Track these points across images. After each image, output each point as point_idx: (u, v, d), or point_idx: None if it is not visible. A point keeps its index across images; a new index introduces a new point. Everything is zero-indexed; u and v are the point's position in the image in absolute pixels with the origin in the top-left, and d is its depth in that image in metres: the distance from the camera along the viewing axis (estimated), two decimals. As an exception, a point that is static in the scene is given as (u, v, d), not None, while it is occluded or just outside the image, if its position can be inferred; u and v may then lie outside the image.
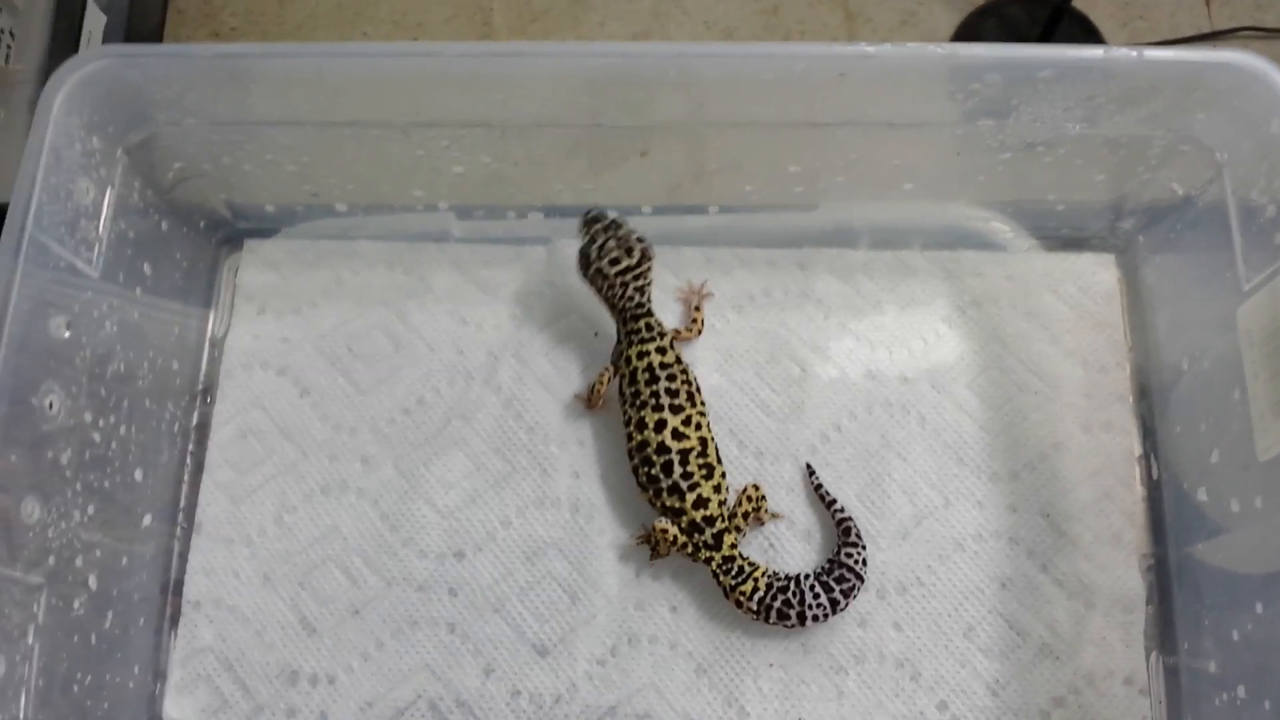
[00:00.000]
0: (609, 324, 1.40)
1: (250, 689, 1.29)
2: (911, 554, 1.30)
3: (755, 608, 1.23)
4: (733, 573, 1.24)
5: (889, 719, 1.24)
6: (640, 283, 1.30)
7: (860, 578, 1.24)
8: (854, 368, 1.39)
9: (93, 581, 1.21)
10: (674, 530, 1.24)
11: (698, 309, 1.38)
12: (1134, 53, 1.15)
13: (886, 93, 1.19)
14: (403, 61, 1.19)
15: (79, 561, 1.19)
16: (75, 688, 1.17)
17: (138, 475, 1.30)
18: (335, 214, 1.45)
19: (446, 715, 1.27)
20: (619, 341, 1.32)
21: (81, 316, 1.20)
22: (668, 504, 1.25)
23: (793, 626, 1.23)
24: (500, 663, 1.29)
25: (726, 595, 1.24)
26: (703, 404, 1.29)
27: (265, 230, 1.49)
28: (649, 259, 1.30)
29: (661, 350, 1.29)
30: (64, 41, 2.66)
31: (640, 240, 1.30)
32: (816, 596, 1.23)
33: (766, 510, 1.30)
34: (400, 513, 1.35)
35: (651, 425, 1.25)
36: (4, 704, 1.07)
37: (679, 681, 1.27)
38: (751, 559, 1.25)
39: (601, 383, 1.32)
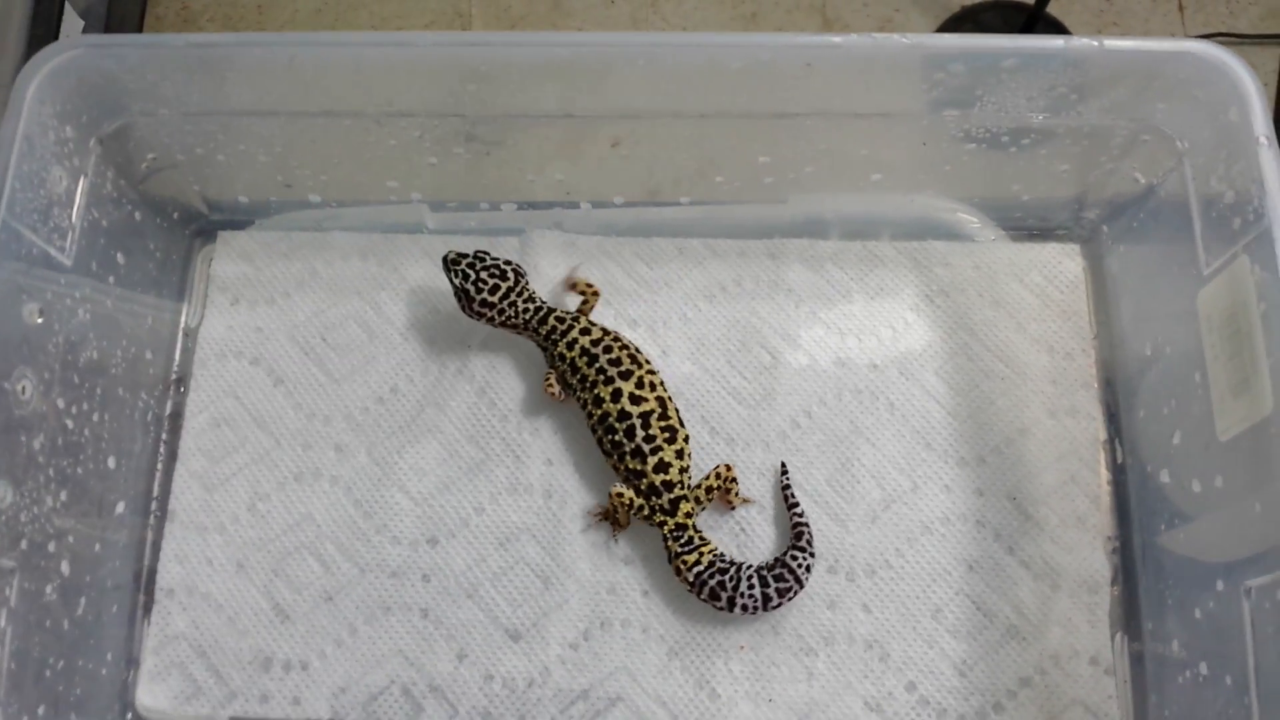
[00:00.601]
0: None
1: (224, 675, 1.30)
2: (880, 537, 1.32)
3: (691, 580, 1.25)
4: (681, 540, 1.25)
5: (858, 699, 1.26)
6: (525, 294, 1.33)
7: (800, 582, 1.25)
8: (824, 355, 1.40)
9: (65, 568, 1.22)
10: (629, 494, 1.26)
11: (576, 283, 1.39)
12: (1095, 42, 1.17)
13: (854, 83, 1.21)
14: (375, 51, 1.20)
15: (51, 547, 1.20)
16: (47, 673, 1.18)
17: (110, 463, 1.31)
18: (309, 205, 1.46)
19: (420, 700, 1.28)
20: (544, 350, 1.35)
21: (54, 304, 1.21)
22: (630, 467, 1.26)
23: (720, 609, 1.25)
24: (473, 648, 1.29)
25: (670, 561, 1.26)
26: (648, 362, 1.32)
27: (239, 222, 1.50)
28: (522, 274, 1.34)
29: (585, 330, 1.32)
30: (40, 46, 2.67)
31: (508, 262, 1.33)
32: (751, 588, 1.24)
33: (737, 494, 1.31)
34: (374, 500, 1.36)
35: (608, 397, 1.27)
36: (-24, 687, 1.08)
37: (651, 665, 1.28)
38: (704, 535, 1.27)
39: (550, 384, 1.34)
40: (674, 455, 1.27)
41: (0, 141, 1.15)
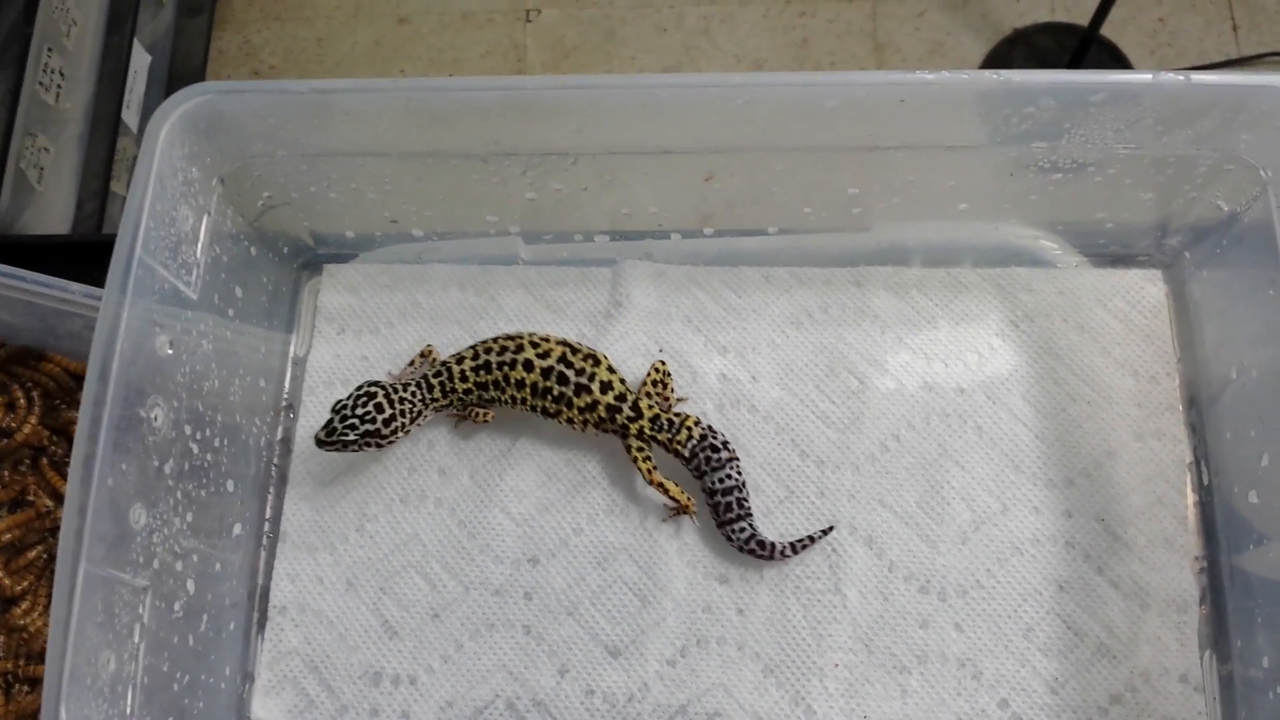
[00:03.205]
0: (674, 339, 1.48)
1: (335, 689, 1.35)
2: (971, 558, 1.35)
3: (688, 456, 1.35)
4: (665, 428, 1.35)
5: (951, 716, 1.29)
6: (400, 392, 1.37)
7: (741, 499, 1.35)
8: (911, 380, 1.44)
9: (190, 585, 1.28)
10: (633, 439, 1.36)
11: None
12: (1181, 77, 1.20)
13: (944, 117, 1.25)
14: (485, 95, 1.26)
15: (179, 566, 1.26)
16: (175, 686, 1.24)
17: (229, 486, 1.37)
18: (411, 239, 1.52)
19: (524, 714, 1.32)
20: (452, 403, 1.41)
21: (182, 336, 1.27)
22: (580, 404, 1.35)
23: (722, 460, 1.34)
24: (574, 663, 1.34)
25: (666, 448, 1.36)
26: (528, 334, 1.40)
27: (343, 255, 1.56)
28: (375, 384, 1.37)
29: (457, 359, 1.39)
30: (111, 81, 2.76)
31: (358, 388, 1.37)
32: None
33: (672, 390, 1.41)
34: (476, 520, 1.41)
35: (521, 373, 1.36)
36: (114, 699, 1.14)
37: (747, 681, 1.32)
38: (679, 412, 1.37)
39: (477, 416, 1.42)
40: (607, 372, 1.37)
41: (135, 183, 1.22)
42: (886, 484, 1.39)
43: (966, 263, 1.49)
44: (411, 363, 1.47)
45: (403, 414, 1.36)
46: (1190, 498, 1.37)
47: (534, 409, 1.38)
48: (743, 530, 1.34)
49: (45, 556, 1.50)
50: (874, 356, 1.46)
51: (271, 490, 1.46)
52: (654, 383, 1.41)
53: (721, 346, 1.48)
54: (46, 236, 1.85)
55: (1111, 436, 1.39)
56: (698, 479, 1.37)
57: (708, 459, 1.35)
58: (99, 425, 1.12)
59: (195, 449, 1.30)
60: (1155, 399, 1.41)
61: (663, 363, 1.42)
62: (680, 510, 1.38)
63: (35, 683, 1.44)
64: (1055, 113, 1.23)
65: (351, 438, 1.34)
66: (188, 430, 1.28)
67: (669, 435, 1.36)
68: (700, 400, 1.45)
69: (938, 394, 1.43)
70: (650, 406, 1.37)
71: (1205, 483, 1.37)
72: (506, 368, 1.37)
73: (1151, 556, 1.34)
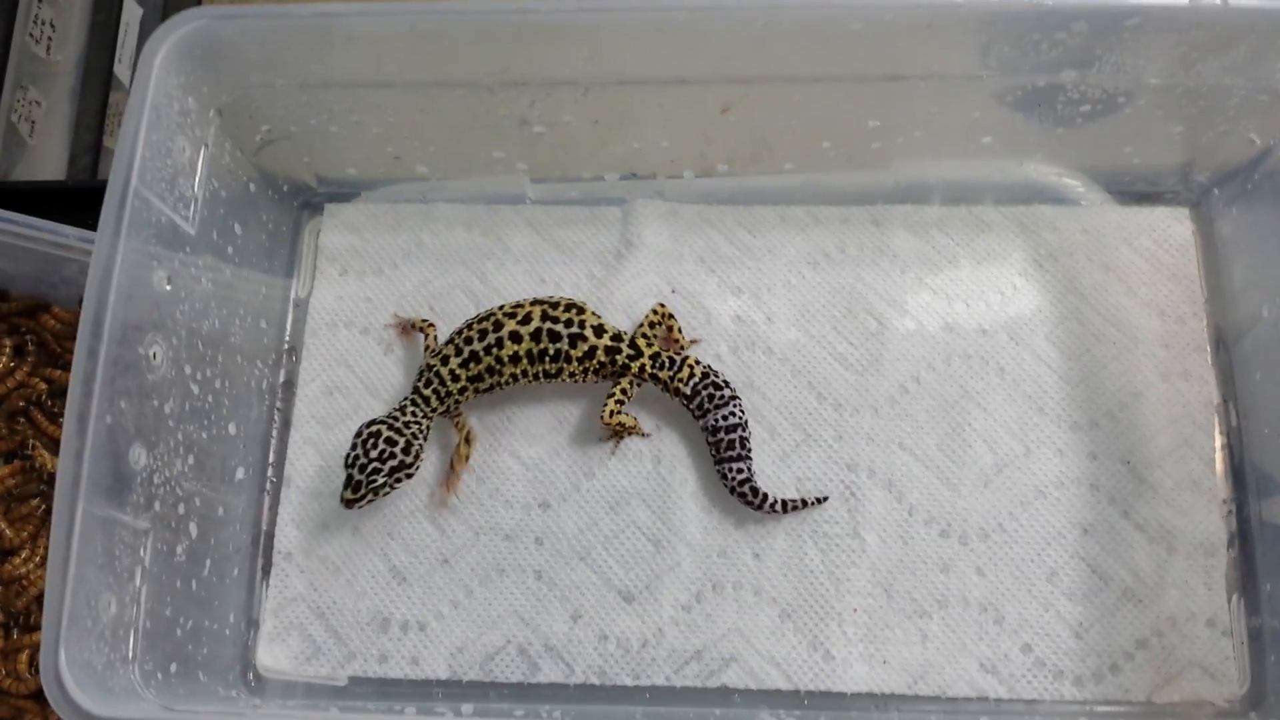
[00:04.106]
0: (687, 280, 1.44)
1: (342, 636, 1.32)
2: (993, 501, 1.32)
3: (689, 395, 1.32)
4: (666, 365, 1.32)
5: (973, 661, 1.26)
6: (404, 419, 1.30)
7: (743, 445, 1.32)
8: (931, 321, 1.40)
9: (193, 529, 1.24)
10: (631, 378, 1.33)
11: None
12: (1219, 2, 1.16)
13: (971, 43, 1.21)
14: (494, 18, 1.21)
15: (181, 509, 1.23)
16: (178, 631, 1.21)
17: (231, 429, 1.33)
18: (415, 177, 1.47)
19: (536, 660, 1.29)
20: (450, 414, 1.35)
21: (180, 272, 1.23)
22: (578, 355, 1.31)
23: (725, 398, 1.31)
24: (587, 609, 1.31)
25: (667, 387, 1.33)
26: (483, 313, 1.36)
27: (345, 194, 1.52)
28: (372, 427, 1.29)
29: (441, 359, 1.33)
30: (102, 34, 2.70)
31: (357, 435, 1.29)
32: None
33: (679, 330, 1.38)
34: (485, 465, 1.37)
35: (511, 347, 1.31)
36: (115, 643, 1.11)
37: (764, 626, 1.29)
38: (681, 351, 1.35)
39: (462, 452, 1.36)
40: (595, 318, 1.33)
41: (129, 111, 1.17)
42: (906, 427, 1.36)
43: (988, 201, 1.45)
44: (414, 325, 1.41)
45: (415, 436, 1.29)
46: (1218, 440, 1.34)
47: (536, 377, 1.34)
48: (739, 471, 1.30)
49: (44, 508, 1.46)
50: (893, 297, 1.42)
51: (274, 434, 1.42)
52: (651, 324, 1.37)
53: (736, 287, 1.44)
54: (40, 183, 1.79)
55: (1137, 377, 1.36)
56: (699, 419, 1.33)
57: (710, 396, 1.32)
58: (95, 359, 1.09)
59: (196, 390, 1.26)
60: (1182, 339, 1.37)
61: (662, 305, 1.38)
62: (626, 431, 1.35)
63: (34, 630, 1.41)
64: (1087, 38, 1.19)
65: (380, 481, 1.26)
66: (188, 370, 1.24)
67: (670, 373, 1.32)
68: (714, 342, 1.41)
69: (959, 335, 1.39)
70: (649, 344, 1.34)
71: (1234, 424, 1.34)
72: (494, 348, 1.31)
73: (1178, 499, 1.31)
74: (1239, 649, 1.26)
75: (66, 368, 1.49)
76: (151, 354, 1.18)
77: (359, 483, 1.26)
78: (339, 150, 1.44)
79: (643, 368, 1.32)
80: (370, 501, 1.27)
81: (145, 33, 2.74)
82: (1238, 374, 1.35)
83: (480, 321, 1.34)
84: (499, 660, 1.30)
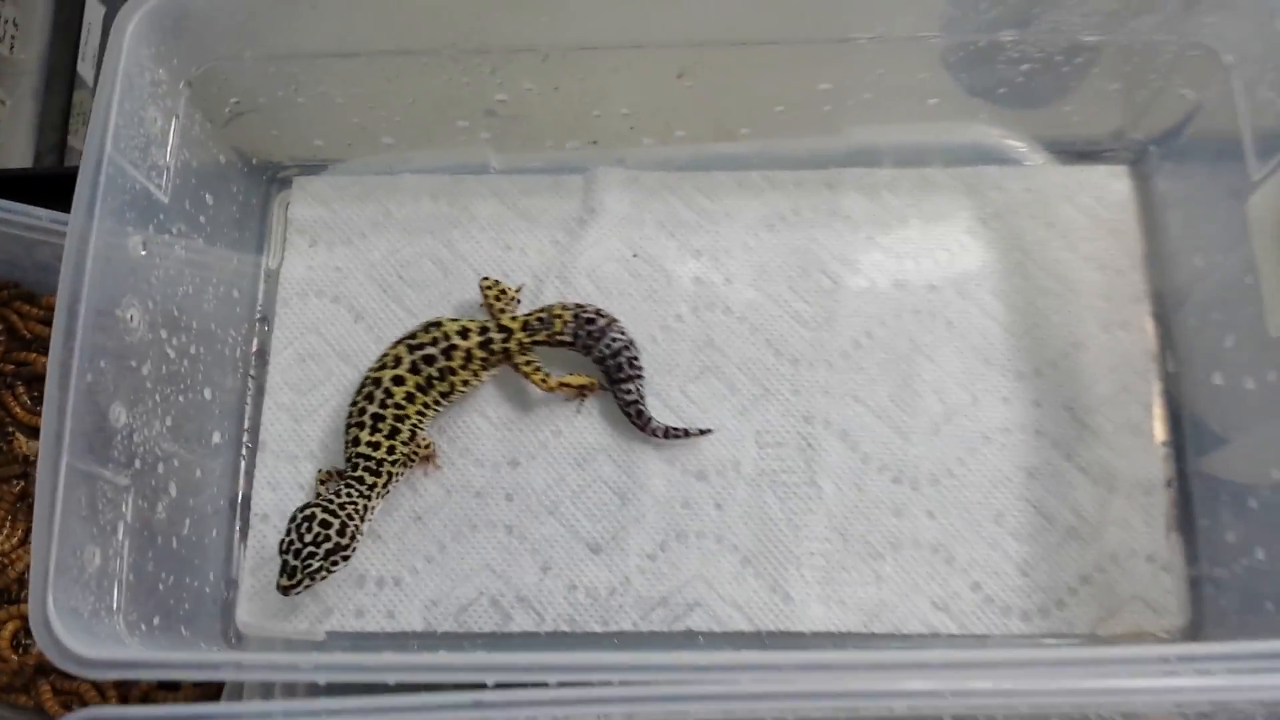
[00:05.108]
0: (648, 244, 1.49)
1: (319, 593, 1.36)
2: (943, 448, 1.38)
3: (572, 340, 1.39)
4: (538, 328, 1.39)
5: (925, 600, 1.32)
6: (344, 509, 1.29)
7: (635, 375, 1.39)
8: (882, 278, 1.46)
9: (172, 489, 1.28)
10: (518, 357, 1.39)
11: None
12: (1147, -41, 1.22)
13: (915, 3, 1.26)
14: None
15: (160, 469, 1.26)
16: (160, 587, 1.24)
17: (207, 394, 1.37)
18: (380, 147, 1.51)
19: (508, 610, 1.34)
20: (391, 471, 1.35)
21: (154, 238, 1.27)
22: (459, 363, 1.36)
23: (601, 335, 1.38)
24: (556, 560, 1.36)
25: (550, 344, 1.39)
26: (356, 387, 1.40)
27: (313, 167, 1.55)
28: (308, 509, 1.29)
29: (367, 467, 1.33)
30: (65, 33, 2.72)
31: (292, 520, 1.28)
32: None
33: (514, 293, 1.44)
34: (455, 425, 1.42)
35: (408, 408, 1.35)
36: (100, 594, 1.14)
37: (726, 572, 1.34)
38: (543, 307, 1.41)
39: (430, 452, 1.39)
40: (451, 323, 1.38)
41: (103, 80, 1.21)
42: (859, 379, 1.41)
43: (936, 163, 1.51)
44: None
45: (350, 517, 1.28)
46: (1156, 386, 1.40)
47: (443, 398, 1.37)
48: (628, 393, 1.37)
49: (21, 487, 1.49)
50: (846, 256, 1.47)
51: (249, 401, 1.46)
52: (494, 299, 1.43)
53: (695, 250, 1.49)
54: (7, 170, 1.81)
55: (1079, 328, 1.42)
56: (588, 355, 1.40)
57: (589, 332, 1.38)
58: (75, 319, 1.12)
59: (172, 354, 1.30)
60: (1122, 291, 1.43)
61: (485, 278, 1.44)
62: (584, 390, 1.40)
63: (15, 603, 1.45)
64: (1025, -2, 1.24)
65: (316, 565, 1.25)
66: (164, 334, 1.28)
67: (547, 333, 1.38)
68: (675, 303, 1.46)
69: (909, 291, 1.45)
70: (513, 319, 1.39)
71: (1171, 371, 1.40)
72: (388, 400, 1.34)
73: (1119, 443, 1.37)
74: (1178, 583, 1.32)
75: (40, 352, 1.52)
76: (129, 317, 1.21)
77: (294, 568, 1.25)
78: (306, 122, 1.47)
79: (521, 343, 1.38)
80: (307, 587, 1.26)
81: (108, 32, 2.76)
82: (1174, 324, 1.41)
83: (361, 392, 1.36)
84: (472, 611, 1.34)
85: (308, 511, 1.28)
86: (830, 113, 1.44)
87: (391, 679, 1.03)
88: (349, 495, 1.31)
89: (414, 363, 1.35)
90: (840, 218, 1.49)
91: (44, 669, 1.40)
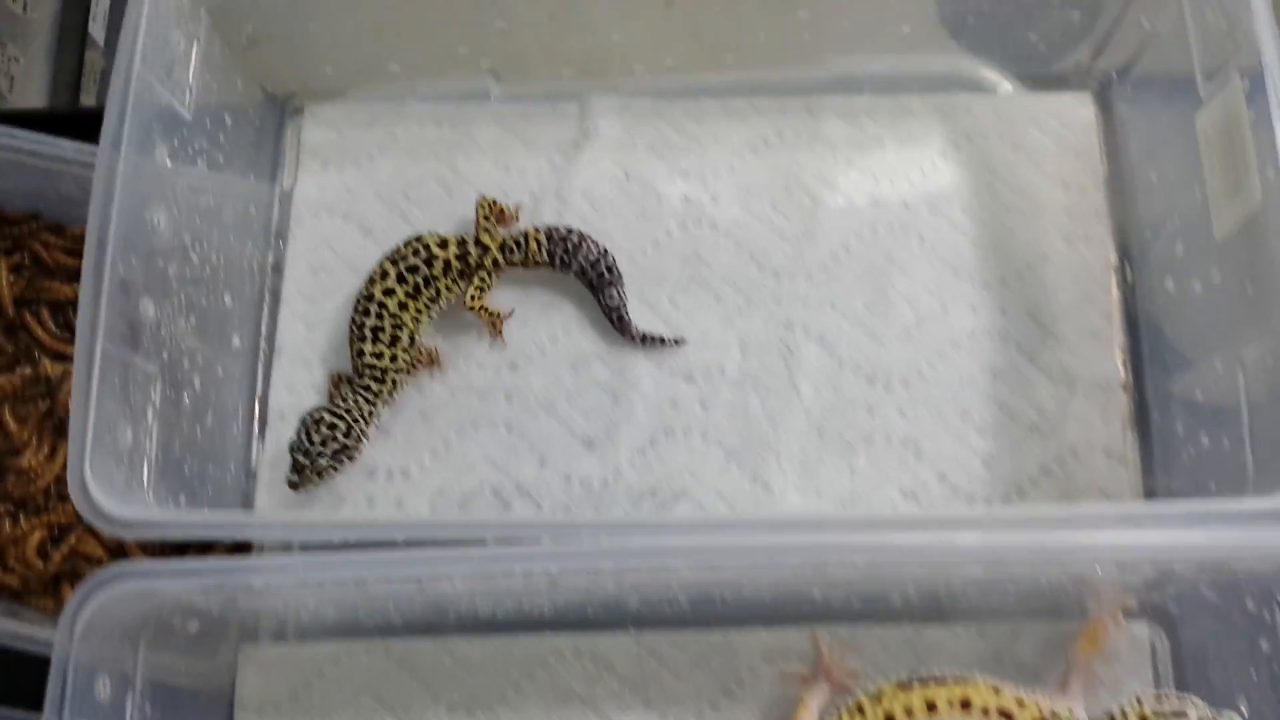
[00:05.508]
0: (639, 167, 1.58)
1: (332, 485, 1.46)
2: (914, 352, 1.47)
3: (549, 260, 1.47)
4: (515, 248, 1.47)
5: (895, 489, 1.42)
6: (349, 413, 1.38)
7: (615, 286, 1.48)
8: (860, 197, 1.55)
9: (197, 383, 1.38)
10: (486, 272, 1.47)
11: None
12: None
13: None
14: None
15: (185, 364, 1.36)
16: (185, 470, 1.35)
17: (227, 300, 1.47)
18: (388, 76, 1.60)
19: (508, 499, 1.44)
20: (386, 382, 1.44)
21: (179, 150, 1.36)
22: (438, 272, 1.45)
23: (576, 250, 1.47)
24: (553, 455, 1.46)
25: (527, 265, 1.48)
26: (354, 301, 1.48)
27: (325, 94, 1.64)
28: (317, 417, 1.38)
29: (373, 375, 1.43)
30: None
31: (306, 415, 1.39)
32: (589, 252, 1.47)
33: (507, 209, 1.52)
34: (459, 332, 1.51)
35: (403, 317, 1.43)
36: (132, 469, 1.25)
37: (711, 466, 1.44)
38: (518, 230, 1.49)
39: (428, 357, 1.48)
40: (436, 238, 1.47)
41: (131, 2, 1.30)
42: (837, 290, 1.51)
43: (912, 90, 1.60)
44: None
45: (355, 420, 1.37)
46: (1115, 295, 1.49)
47: (437, 306, 1.46)
48: (610, 298, 1.47)
49: (49, 407, 1.58)
50: (826, 177, 1.56)
51: (266, 311, 1.56)
52: (484, 217, 1.51)
53: (684, 171, 1.58)
54: (26, 110, 1.89)
55: (1043, 241, 1.51)
56: (568, 271, 1.49)
57: (565, 250, 1.47)
58: (109, 217, 1.21)
59: (195, 259, 1.40)
60: (1084, 208, 1.53)
61: (482, 196, 1.52)
62: (496, 321, 1.49)
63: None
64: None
65: (323, 464, 1.35)
66: (187, 240, 1.38)
67: (523, 255, 1.47)
68: (664, 220, 1.55)
69: (884, 208, 1.54)
70: (493, 237, 1.48)
71: (1129, 280, 1.49)
72: (383, 311, 1.43)
73: (1079, 347, 1.46)
74: (1132, 475, 1.42)
75: (65, 281, 1.61)
76: (156, 220, 1.31)
77: (303, 466, 1.35)
78: (318, 51, 1.57)
79: (495, 260, 1.47)
80: (315, 485, 1.36)
81: (118, -6, 2.85)
82: (1132, 237, 1.50)
83: (357, 309, 1.45)
84: (475, 501, 1.44)
85: (316, 415, 1.38)
86: (810, 41, 1.53)
87: (400, 536, 1.13)
88: (356, 401, 1.41)
89: (400, 273, 1.44)
90: (821, 141, 1.58)
91: (67, 574, 1.50)
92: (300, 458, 1.36)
